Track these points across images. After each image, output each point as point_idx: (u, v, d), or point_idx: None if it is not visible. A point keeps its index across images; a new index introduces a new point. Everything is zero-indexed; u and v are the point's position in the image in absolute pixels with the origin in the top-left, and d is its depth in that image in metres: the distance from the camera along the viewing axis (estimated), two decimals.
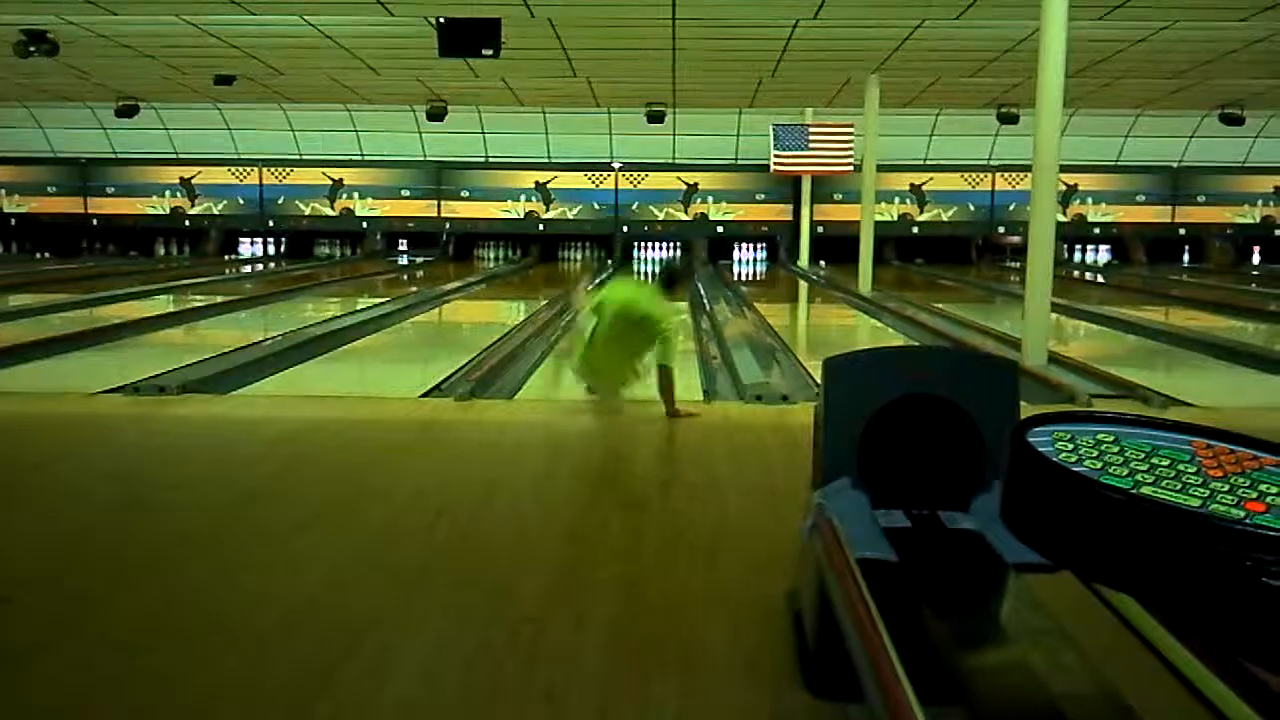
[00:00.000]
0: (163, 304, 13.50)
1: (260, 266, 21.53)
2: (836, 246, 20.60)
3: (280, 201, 22.52)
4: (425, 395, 6.91)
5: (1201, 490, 1.29)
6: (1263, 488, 1.32)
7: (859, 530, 2.40)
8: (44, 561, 3.54)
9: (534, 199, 22.47)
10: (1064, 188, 20.47)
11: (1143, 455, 1.38)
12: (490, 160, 22.26)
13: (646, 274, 19.39)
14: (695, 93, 17.48)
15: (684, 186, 22.34)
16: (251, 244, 23.44)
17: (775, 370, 8.12)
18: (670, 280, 6.03)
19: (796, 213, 21.41)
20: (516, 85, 16.91)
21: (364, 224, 22.61)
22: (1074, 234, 22.28)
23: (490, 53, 11.46)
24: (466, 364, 8.13)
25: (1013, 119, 18.40)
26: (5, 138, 21.76)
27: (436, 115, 19.04)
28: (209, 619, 3.02)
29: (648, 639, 2.88)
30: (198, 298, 14.14)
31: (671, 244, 22.85)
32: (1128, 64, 13.98)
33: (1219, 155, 21.77)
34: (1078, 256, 23.18)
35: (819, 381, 2.78)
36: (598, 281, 13.29)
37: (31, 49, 12.42)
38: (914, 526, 2.50)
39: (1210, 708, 2.37)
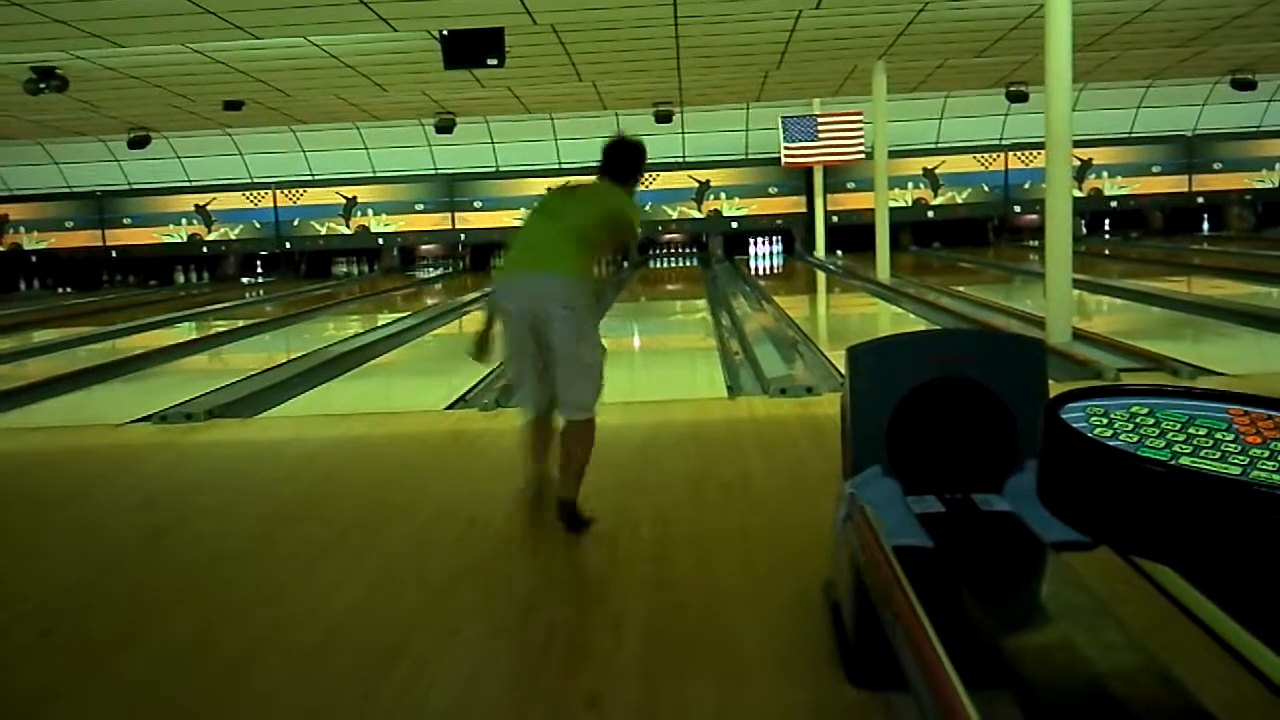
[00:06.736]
0: (185, 331, 13.58)
1: (280, 289, 21.63)
2: (852, 235, 20.49)
3: (296, 223, 22.61)
4: (451, 407, 6.92)
5: (1241, 458, 1.27)
6: None
7: (893, 518, 2.38)
8: (78, 592, 3.56)
9: None
10: (1078, 163, 20.30)
11: (1179, 426, 1.36)
12: (501, 170, 22.29)
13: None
14: (702, 90, 17.44)
15: (695, 184, 22.30)
16: (269, 267, 23.51)
17: (798, 362, 8.09)
18: None
19: (810, 204, 21.34)
20: (523, 93, 16.92)
21: (380, 240, 22.69)
22: (1090, 209, 22.11)
23: (495, 62, 11.47)
24: (491, 373, 8.12)
25: (1023, 97, 18.27)
26: (22, 175, 21.95)
27: (445, 128, 19.08)
28: (245, 641, 3.03)
29: (685, 638, 2.87)
30: (220, 323, 14.21)
31: (686, 243, 22.80)
32: (1136, 35, 13.85)
33: (1233, 121, 21.54)
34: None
35: (843, 371, 2.76)
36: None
37: (41, 85, 12.53)
38: (948, 511, 2.49)
39: (1258, 675, 2.34)
